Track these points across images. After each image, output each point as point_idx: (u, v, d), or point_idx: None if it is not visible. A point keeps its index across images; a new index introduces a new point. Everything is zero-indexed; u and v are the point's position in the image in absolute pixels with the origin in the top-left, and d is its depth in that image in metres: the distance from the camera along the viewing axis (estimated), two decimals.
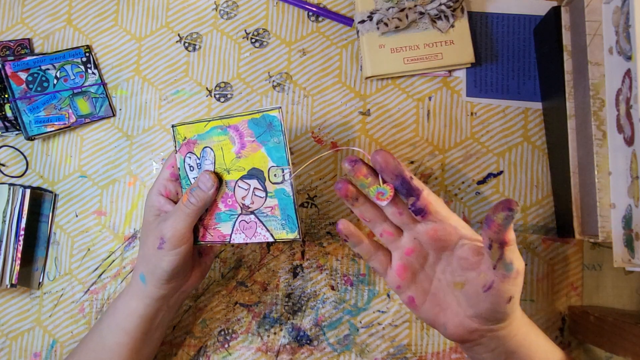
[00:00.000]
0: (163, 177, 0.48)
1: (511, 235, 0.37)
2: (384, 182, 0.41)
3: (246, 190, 0.44)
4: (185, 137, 0.47)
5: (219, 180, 0.45)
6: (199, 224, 0.47)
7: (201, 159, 0.46)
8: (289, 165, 0.42)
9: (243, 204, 0.45)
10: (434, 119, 0.58)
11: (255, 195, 0.44)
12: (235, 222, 0.45)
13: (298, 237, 0.43)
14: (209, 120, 0.45)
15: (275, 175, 0.43)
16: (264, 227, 0.44)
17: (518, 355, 0.42)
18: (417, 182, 0.40)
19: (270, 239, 0.44)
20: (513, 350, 0.42)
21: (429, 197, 0.40)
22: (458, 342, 0.43)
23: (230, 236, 0.46)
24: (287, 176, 0.42)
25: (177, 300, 0.50)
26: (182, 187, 0.48)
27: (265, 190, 0.43)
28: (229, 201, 0.45)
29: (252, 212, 0.44)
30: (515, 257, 0.38)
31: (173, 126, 0.48)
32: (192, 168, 0.47)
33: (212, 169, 0.46)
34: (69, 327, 0.57)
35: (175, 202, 0.48)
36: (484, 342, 0.42)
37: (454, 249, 0.41)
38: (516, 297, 0.39)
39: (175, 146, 0.48)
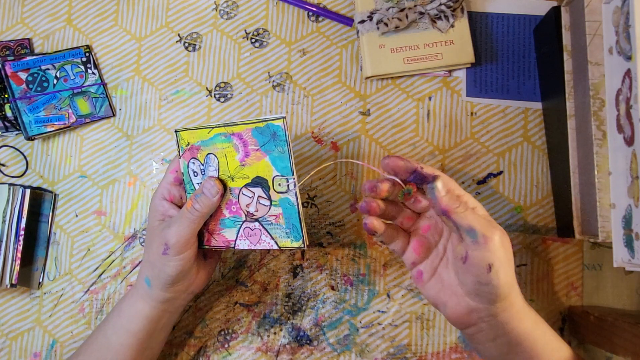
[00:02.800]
0: (167, 182, 0.48)
1: (447, 202, 0.40)
2: (405, 182, 0.43)
3: (250, 198, 0.44)
4: (188, 143, 0.47)
5: (224, 186, 0.45)
6: (203, 229, 0.47)
7: (205, 165, 0.46)
8: (293, 175, 0.42)
9: (247, 212, 0.44)
10: (434, 119, 0.58)
11: (259, 203, 0.44)
12: (239, 229, 0.45)
13: (303, 246, 0.42)
14: (213, 127, 0.45)
15: (279, 184, 0.42)
16: (268, 235, 0.44)
17: (522, 348, 0.42)
18: (427, 170, 0.43)
19: (275, 247, 0.44)
20: (517, 342, 0.42)
21: (442, 191, 0.41)
22: (459, 328, 0.44)
23: (235, 242, 0.46)
24: (291, 186, 0.42)
25: (183, 302, 0.50)
26: (186, 192, 0.48)
27: (269, 198, 0.43)
28: (234, 208, 0.45)
29: (256, 220, 0.44)
30: (476, 223, 0.39)
31: (176, 131, 0.47)
32: (196, 174, 0.47)
33: (216, 176, 0.45)
34: (69, 327, 0.57)
35: (180, 207, 0.48)
36: (484, 328, 0.42)
37: None
38: (496, 264, 0.39)
39: (179, 151, 0.48)
